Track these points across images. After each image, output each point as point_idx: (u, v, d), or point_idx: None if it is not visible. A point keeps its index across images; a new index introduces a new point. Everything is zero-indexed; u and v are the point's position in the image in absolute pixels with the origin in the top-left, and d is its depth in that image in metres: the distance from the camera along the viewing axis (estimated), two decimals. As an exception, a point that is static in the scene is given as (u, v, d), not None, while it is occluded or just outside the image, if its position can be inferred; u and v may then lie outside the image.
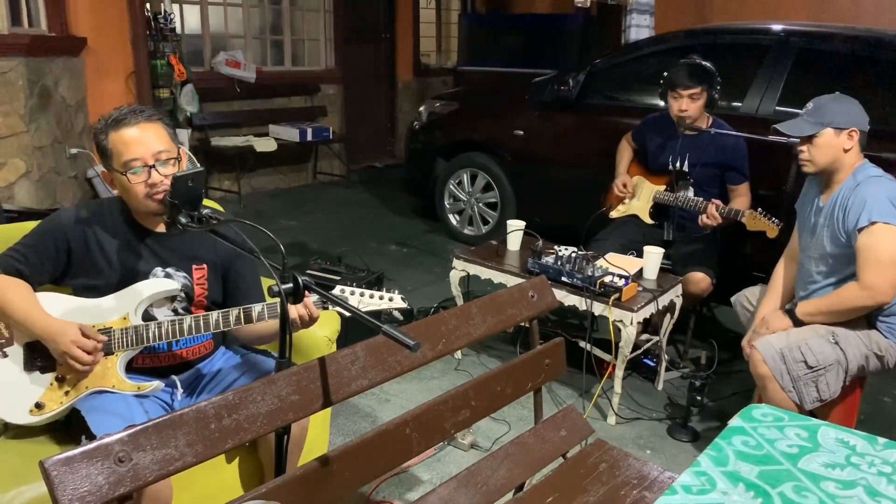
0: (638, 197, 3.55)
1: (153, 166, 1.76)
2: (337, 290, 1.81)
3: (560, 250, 3.09)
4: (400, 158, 7.56)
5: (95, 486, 1.11)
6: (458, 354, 3.48)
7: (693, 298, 3.24)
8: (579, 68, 4.54)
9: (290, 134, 6.60)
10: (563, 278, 2.96)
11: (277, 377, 1.40)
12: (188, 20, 6.30)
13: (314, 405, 1.44)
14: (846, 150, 2.40)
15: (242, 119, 6.59)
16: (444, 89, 7.97)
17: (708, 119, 3.37)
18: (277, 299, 1.47)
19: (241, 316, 1.78)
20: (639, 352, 3.13)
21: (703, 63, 3.27)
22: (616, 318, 2.85)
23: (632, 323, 2.82)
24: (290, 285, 1.47)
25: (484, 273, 3.26)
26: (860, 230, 2.31)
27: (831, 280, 2.48)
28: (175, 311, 1.92)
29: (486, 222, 5.24)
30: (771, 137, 3.24)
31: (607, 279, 2.88)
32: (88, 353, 1.74)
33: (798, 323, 2.50)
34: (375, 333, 1.40)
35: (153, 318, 1.86)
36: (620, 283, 2.86)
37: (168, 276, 1.89)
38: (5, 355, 1.79)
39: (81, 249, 1.84)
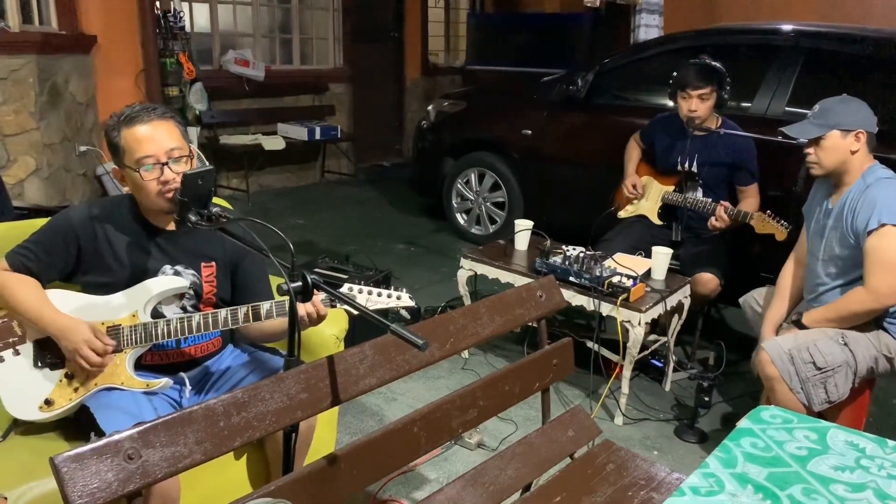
0: (646, 197, 3.55)
1: (166, 163, 1.76)
2: (345, 289, 1.81)
3: (568, 250, 3.08)
4: (407, 157, 7.56)
5: (105, 483, 1.12)
6: (465, 354, 3.48)
7: (701, 299, 3.23)
8: (588, 68, 4.53)
9: (299, 132, 6.62)
10: (571, 278, 2.95)
11: (286, 375, 1.40)
12: (198, 18, 6.32)
13: (323, 403, 1.45)
14: (853, 152, 2.39)
15: (251, 117, 6.60)
16: (453, 88, 7.96)
17: (717, 119, 3.36)
18: (286, 297, 1.47)
19: (250, 313, 1.79)
20: (646, 352, 3.12)
21: (713, 63, 3.26)
22: (624, 318, 2.84)
23: (640, 323, 2.81)
24: (299, 283, 1.48)
25: (492, 273, 3.26)
26: (869, 232, 2.30)
27: (839, 282, 2.47)
28: (184, 309, 1.92)
29: (493, 222, 5.23)
30: (780, 138, 3.24)
31: (615, 279, 2.87)
32: (99, 354, 1.75)
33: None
34: (383, 332, 1.40)
35: (162, 316, 1.87)
36: (628, 283, 2.85)
37: (177, 273, 1.89)
38: (17, 353, 1.80)
39: (91, 247, 1.84)
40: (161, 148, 1.76)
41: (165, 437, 1.20)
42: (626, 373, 2.95)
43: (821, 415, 2.37)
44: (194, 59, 5.74)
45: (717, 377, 2.97)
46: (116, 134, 1.78)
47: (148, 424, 1.19)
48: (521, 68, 7.55)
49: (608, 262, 3.01)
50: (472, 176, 5.26)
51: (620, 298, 2.82)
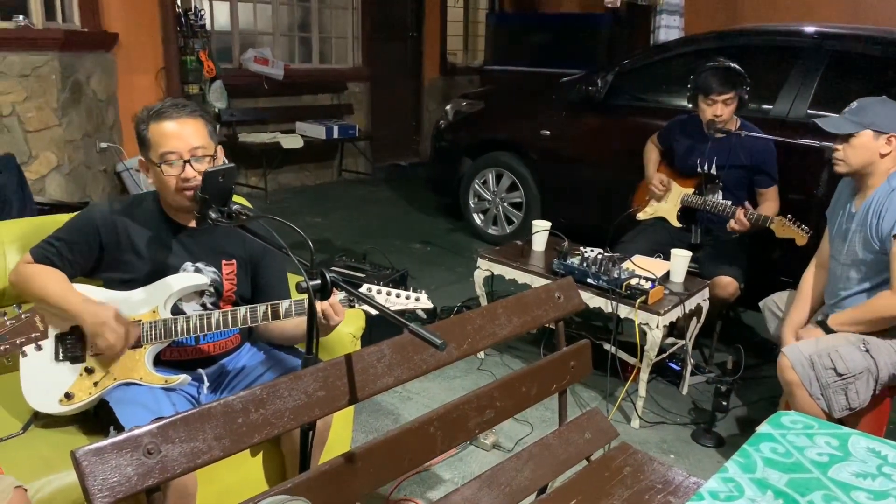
0: (665, 199, 3.52)
1: (188, 161, 1.78)
2: (364, 289, 1.81)
3: (586, 251, 3.07)
4: (425, 157, 7.56)
5: (125, 477, 1.13)
6: (481, 354, 3.47)
7: (720, 302, 3.20)
8: (608, 68, 4.51)
9: (317, 131, 6.64)
10: (589, 280, 2.94)
11: (304, 373, 1.40)
12: (218, 17, 6.36)
13: (340, 401, 1.45)
14: (883, 155, 2.36)
15: (270, 116, 6.63)
16: (471, 88, 7.96)
17: (736, 121, 3.33)
18: (305, 296, 1.47)
19: (269, 312, 1.79)
20: (664, 355, 3.10)
21: (733, 66, 3.23)
22: (642, 320, 2.82)
23: (658, 326, 2.80)
24: (318, 282, 1.48)
25: (509, 273, 3.25)
26: (895, 236, 2.27)
27: (864, 287, 2.44)
28: (204, 306, 1.93)
29: (510, 222, 5.22)
30: (801, 140, 3.21)
31: (634, 281, 2.86)
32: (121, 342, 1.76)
33: (829, 333, 2.46)
34: (399, 331, 1.40)
35: (182, 312, 1.88)
36: (647, 285, 2.84)
37: (198, 270, 1.91)
38: (40, 348, 1.81)
39: (113, 243, 1.86)
40: (185, 145, 1.78)
41: (184, 433, 1.21)
42: (644, 375, 2.93)
43: (841, 421, 2.34)
44: (214, 57, 5.77)
45: (735, 381, 2.95)
46: (145, 127, 1.81)
47: (167, 420, 1.20)
48: (540, 68, 7.52)
49: (626, 264, 3.00)
50: (490, 176, 5.25)
51: (639, 301, 2.81)
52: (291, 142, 6.40)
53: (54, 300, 1.78)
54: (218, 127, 5.91)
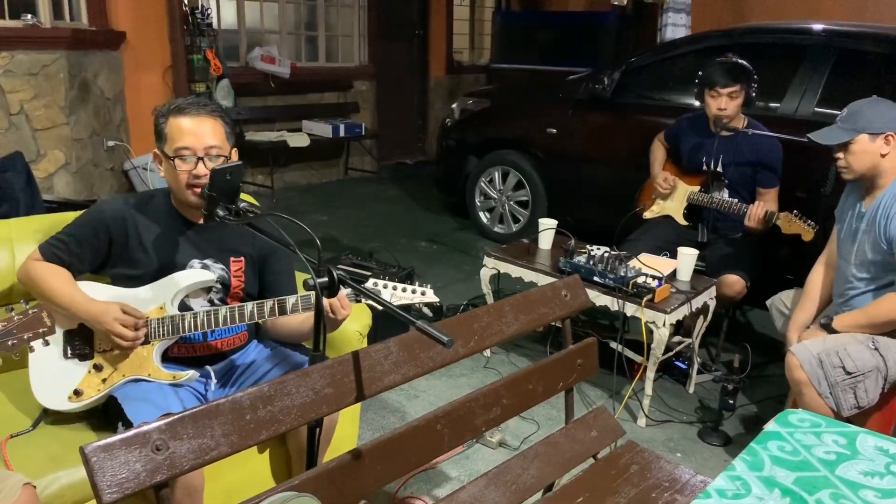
0: (672, 197, 3.51)
1: (201, 158, 1.80)
2: (370, 284, 1.81)
3: (592, 250, 3.06)
4: (431, 155, 7.57)
5: (133, 473, 1.13)
6: (488, 352, 3.47)
7: (727, 301, 3.19)
8: (614, 67, 4.50)
9: (323, 129, 6.65)
10: (596, 278, 2.93)
11: (312, 370, 1.40)
12: (225, 15, 6.37)
13: (347, 399, 1.45)
14: (884, 155, 2.35)
15: (276, 114, 6.64)
16: (477, 87, 7.96)
17: (743, 119, 3.32)
18: (312, 292, 1.48)
19: (276, 307, 1.80)
20: (670, 354, 3.10)
21: (741, 61, 3.23)
22: (648, 319, 2.82)
23: (664, 324, 2.79)
24: (325, 279, 1.48)
25: (515, 271, 3.25)
26: (904, 237, 2.27)
27: (871, 287, 2.43)
28: (211, 302, 1.94)
29: (516, 220, 5.22)
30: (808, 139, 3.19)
31: (640, 280, 2.85)
32: (130, 329, 1.77)
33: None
34: (405, 328, 1.40)
35: (189, 309, 1.89)
36: (653, 284, 2.83)
37: (205, 267, 1.91)
38: (47, 343, 1.82)
39: (122, 240, 1.87)
40: (201, 143, 1.80)
41: (193, 430, 1.21)
42: (650, 374, 2.92)
43: (849, 420, 2.33)
44: (221, 55, 5.79)
45: (741, 380, 2.94)
46: (164, 120, 1.83)
47: (176, 416, 1.20)
48: (547, 67, 7.52)
49: (633, 263, 2.99)
50: (496, 174, 5.25)
51: (645, 299, 2.80)
52: (298, 140, 6.41)
53: (60, 301, 1.80)
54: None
